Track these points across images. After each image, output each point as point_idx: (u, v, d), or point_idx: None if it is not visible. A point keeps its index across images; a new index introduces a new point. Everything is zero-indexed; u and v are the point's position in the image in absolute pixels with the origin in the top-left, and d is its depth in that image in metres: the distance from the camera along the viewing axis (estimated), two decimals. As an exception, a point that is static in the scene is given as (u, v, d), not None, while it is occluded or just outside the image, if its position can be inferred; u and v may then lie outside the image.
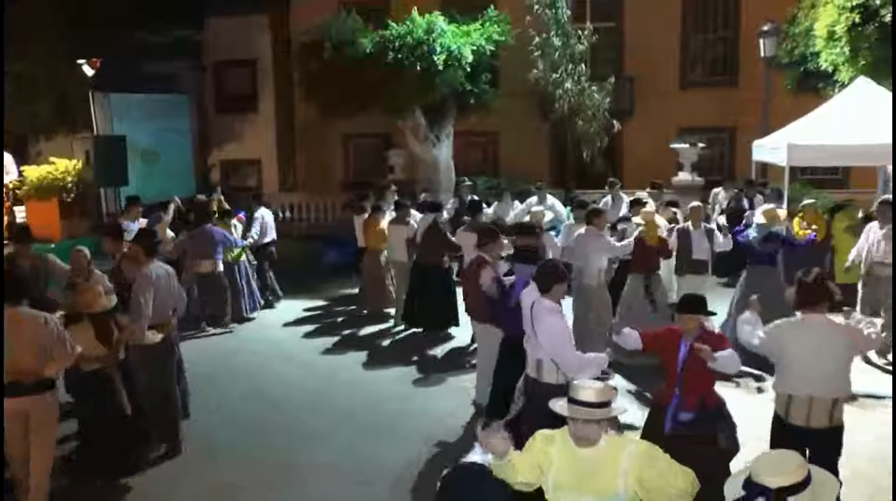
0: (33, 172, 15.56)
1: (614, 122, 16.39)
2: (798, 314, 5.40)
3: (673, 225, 9.94)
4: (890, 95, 11.36)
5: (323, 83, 15.38)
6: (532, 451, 3.81)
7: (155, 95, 19.50)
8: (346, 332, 11.15)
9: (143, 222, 10.89)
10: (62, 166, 15.62)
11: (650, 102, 19.24)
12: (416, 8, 15.22)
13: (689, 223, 9.83)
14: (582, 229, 9.18)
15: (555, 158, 20.07)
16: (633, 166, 19.12)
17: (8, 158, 15.22)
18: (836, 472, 4.71)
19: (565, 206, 13.86)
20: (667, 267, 9.94)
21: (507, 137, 20.31)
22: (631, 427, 6.27)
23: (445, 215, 12.64)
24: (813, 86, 14.68)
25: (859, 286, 9.36)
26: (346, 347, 10.41)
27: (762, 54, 15.72)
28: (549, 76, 16.32)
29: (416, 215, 11.31)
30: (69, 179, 15.51)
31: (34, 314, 5.56)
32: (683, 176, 16.43)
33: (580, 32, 16.40)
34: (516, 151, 19.91)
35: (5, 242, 9.39)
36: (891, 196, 12.20)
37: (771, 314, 5.90)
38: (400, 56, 14.52)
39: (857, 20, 11.64)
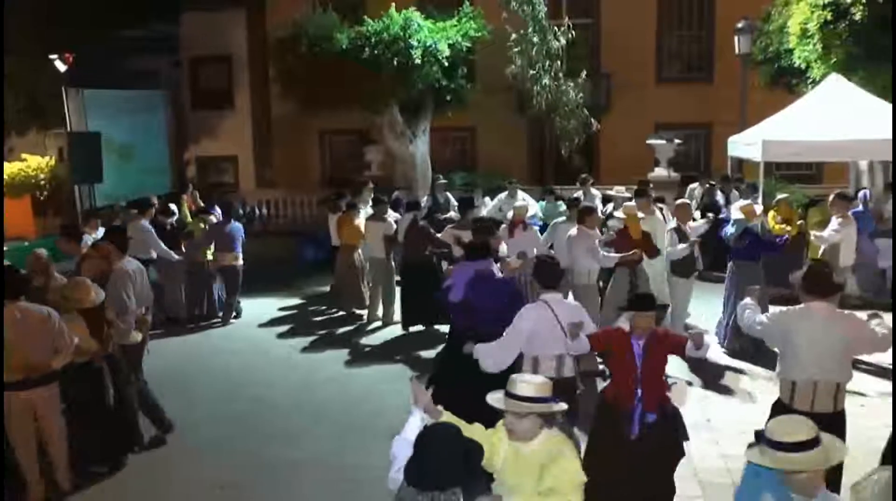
0: (5, 169, 15.36)
1: (592, 121, 16.45)
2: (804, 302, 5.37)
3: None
4: (861, 91, 11.55)
5: (299, 79, 15.31)
6: (490, 435, 3.80)
7: (130, 90, 19.29)
8: (324, 330, 11.13)
9: (101, 232, 10.71)
10: (35, 163, 15.44)
11: (627, 98, 19.34)
12: (393, 4, 15.19)
13: (676, 221, 9.81)
14: (574, 230, 9.10)
15: (532, 154, 20.13)
16: (610, 162, 19.22)
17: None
18: None
19: (539, 201, 13.92)
20: (661, 266, 9.91)
21: (485, 134, 20.33)
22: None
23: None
24: (787, 82, 14.85)
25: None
26: (324, 345, 10.39)
27: (737, 51, 15.85)
28: (526, 72, 16.32)
29: (392, 214, 11.30)
30: (42, 176, 15.33)
31: (38, 309, 5.75)
32: (660, 172, 16.51)
33: (557, 29, 16.43)
34: (494, 148, 19.94)
35: None
36: (863, 192, 12.46)
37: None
38: (376, 52, 14.49)
39: (828, 18, 11.79)
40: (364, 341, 10.58)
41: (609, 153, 19.64)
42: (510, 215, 10.77)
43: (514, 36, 16.07)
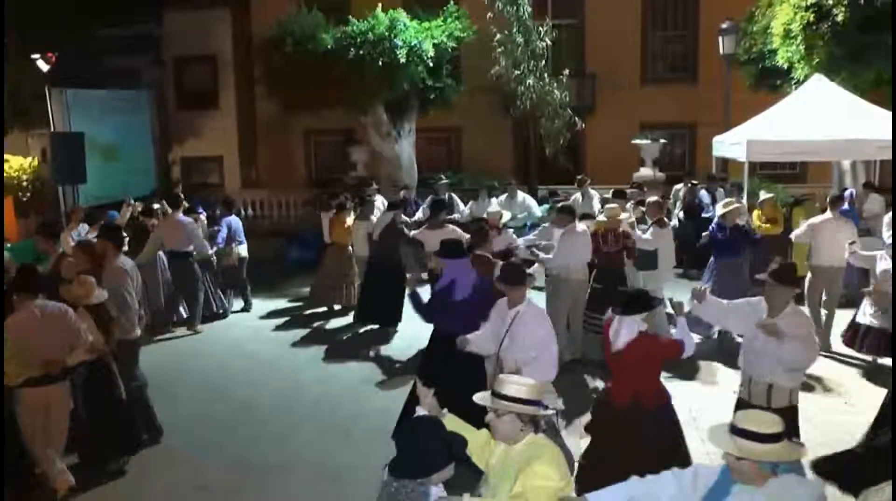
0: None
1: (577, 120, 16.49)
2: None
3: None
4: (844, 92, 11.64)
5: (284, 79, 15.28)
6: (487, 435, 3.82)
7: (114, 90, 19.15)
8: (310, 330, 11.11)
9: (84, 227, 10.62)
10: (17, 164, 15.30)
11: (612, 98, 19.39)
12: (380, 4, 15.19)
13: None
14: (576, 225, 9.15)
15: (518, 154, 20.15)
16: (595, 162, 19.25)
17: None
18: None
19: (542, 205, 13.97)
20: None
21: (470, 134, 20.35)
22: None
23: (420, 213, 12.77)
24: (770, 83, 14.95)
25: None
26: (309, 345, 10.37)
27: (721, 51, 15.94)
28: (511, 73, 16.36)
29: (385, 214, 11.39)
30: (24, 177, 15.19)
31: (55, 306, 5.88)
32: (645, 171, 16.61)
33: (542, 29, 16.47)
34: (479, 148, 19.96)
35: None
36: (849, 191, 12.55)
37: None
38: (362, 52, 14.47)
39: (811, 19, 11.89)
40: (348, 342, 10.54)
41: (594, 153, 19.69)
42: (506, 216, 10.79)
43: (498, 36, 16.12)
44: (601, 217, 9.69)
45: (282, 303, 12.62)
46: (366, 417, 7.70)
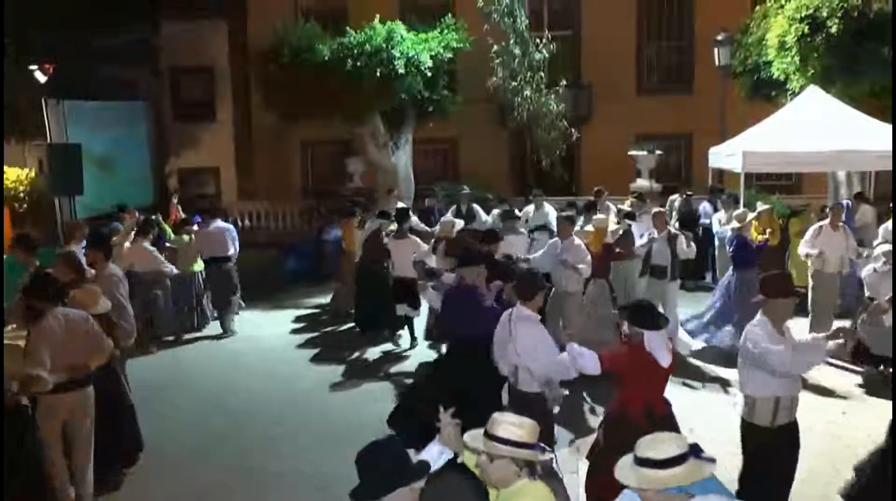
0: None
1: (572, 130, 16.53)
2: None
3: (647, 232, 9.99)
4: (839, 103, 11.69)
5: (281, 90, 15.31)
6: None
7: (111, 101, 19.15)
8: (305, 340, 11.10)
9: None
10: (14, 175, 15.28)
11: (608, 109, 19.44)
12: (378, 16, 15.24)
13: (654, 229, 9.92)
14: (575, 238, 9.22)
15: (514, 165, 20.19)
16: (591, 173, 19.26)
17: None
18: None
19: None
20: (631, 271, 10.15)
21: (467, 145, 20.38)
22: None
23: (491, 220, 12.84)
24: (766, 93, 15.00)
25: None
26: (304, 355, 10.37)
27: (716, 63, 16.01)
28: (507, 84, 16.42)
29: (415, 222, 11.70)
30: (21, 188, 15.18)
31: (77, 313, 5.89)
32: (642, 182, 16.63)
33: (538, 40, 16.53)
34: (475, 158, 19.98)
35: None
36: (845, 202, 12.59)
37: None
38: (359, 63, 14.51)
39: (805, 31, 11.95)
40: (344, 352, 10.51)
41: (590, 164, 19.73)
42: (459, 224, 10.89)
43: (495, 47, 16.18)
44: (589, 227, 9.71)
45: (278, 313, 12.60)
46: (362, 427, 7.65)
